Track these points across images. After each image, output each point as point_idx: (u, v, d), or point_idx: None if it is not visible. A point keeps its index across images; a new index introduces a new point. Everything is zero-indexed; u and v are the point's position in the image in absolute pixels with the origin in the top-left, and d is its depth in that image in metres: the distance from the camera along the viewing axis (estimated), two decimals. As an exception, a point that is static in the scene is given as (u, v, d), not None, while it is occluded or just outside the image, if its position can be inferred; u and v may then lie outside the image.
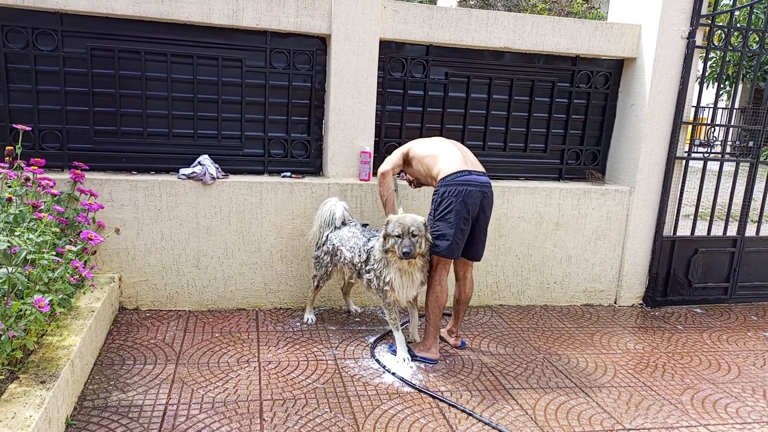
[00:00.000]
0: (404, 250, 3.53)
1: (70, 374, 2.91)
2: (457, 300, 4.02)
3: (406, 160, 4.08)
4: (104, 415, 2.98)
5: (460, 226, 3.65)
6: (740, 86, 6.06)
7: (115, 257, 4.24)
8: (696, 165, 5.39)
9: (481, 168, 3.83)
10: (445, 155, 3.83)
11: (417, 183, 4.25)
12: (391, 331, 4.08)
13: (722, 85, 12.42)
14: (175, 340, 3.90)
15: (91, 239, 3.17)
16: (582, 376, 3.79)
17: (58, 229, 3.11)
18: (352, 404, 3.26)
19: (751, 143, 5.39)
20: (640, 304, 5.29)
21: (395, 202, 4.34)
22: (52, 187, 3.55)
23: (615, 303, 5.27)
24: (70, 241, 3.41)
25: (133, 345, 3.78)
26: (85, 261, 3.44)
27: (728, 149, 5.45)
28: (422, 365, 3.79)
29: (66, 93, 4.20)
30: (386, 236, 3.68)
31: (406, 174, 4.36)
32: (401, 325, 4.11)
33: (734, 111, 5.81)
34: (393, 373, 3.64)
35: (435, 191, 3.75)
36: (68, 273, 2.94)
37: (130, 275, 4.29)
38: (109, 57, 4.22)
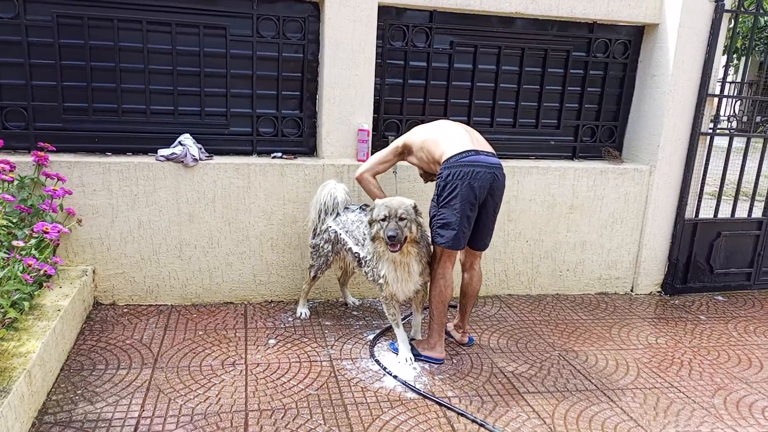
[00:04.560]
0: (389, 233, 3.16)
1: (26, 387, 2.55)
2: (463, 293, 3.65)
3: (406, 152, 3.66)
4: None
5: (466, 213, 3.26)
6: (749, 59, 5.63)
7: (87, 248, 3.86)
8: (719, 142, 4.98)
9: (490, 149, 3.42)
10: (448, 135, 3.42)
11: (427, 176, 3.82)
12: (389, 328, 3.73)
13: (734, 56, 11.86)
14: (154, 339, 3.54)
15: (47, 232, 2.79)
16: (602, 377, 3.45)
17: (4, 222, 2.72)
18: (349, 414, 2.91)
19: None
20: (658, 291, 4.93)
21: (395, 189, 3.97)
22: (8, 171, 3.14)
23: (631, 291, 4.91)
24: (32, 233, 3.02)
25: (106, 346, 3.43)
26: (46, 255, 3.06)
27: (747, 123, 5.01)
28: (426, 366, 3.44)
29: (30, 66, 3.77)
30: (371, 222, 3.31)
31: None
32: (403, 320, 3.76)
33: (761, 84, 5.38)
34: (395, 376, 3.29)
35: (438, 174, 3.35)
36: (20, 271, 2.57)
37: (105, 267, 3.92)
38: (77, 25, 3.78)
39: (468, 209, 3.25)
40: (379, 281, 3.42)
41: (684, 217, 4.78)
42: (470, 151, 3.29)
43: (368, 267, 3.50)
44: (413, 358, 3.45)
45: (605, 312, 4.45)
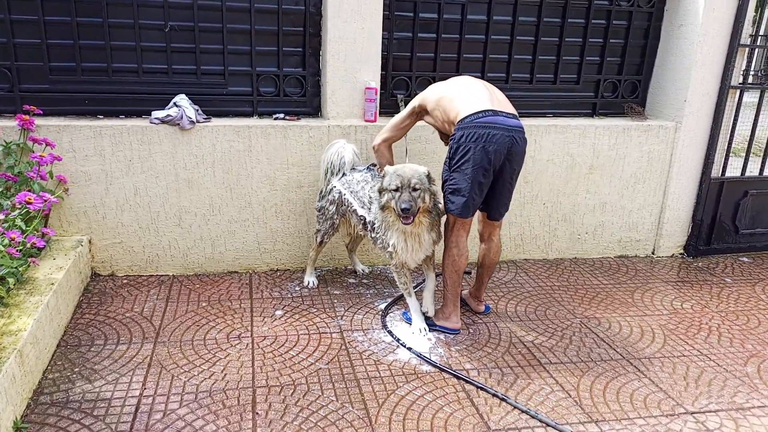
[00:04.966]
0: (403, 205, 2.93)
1: (17, 367, 2.38)
2: (480, 264, 3.44)
3: (423, 112, 3.38)
4: (64, 413, 2.47)
5: (478, 179, 3.01)
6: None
7: (82, 217, 3.66)
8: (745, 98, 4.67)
9: (511, 109, 3.13)
10: (465, 94, 3.14)
11: (447, 138, 3.49)
12: (402, 296, 3.56)
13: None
14: (155, 312, 3.37)
15: (30, 203, 2.58)
16: (627, 345, 3.27)
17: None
18: (362, 389, 2.74)
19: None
20: (680, 254, 4.72)
21: (405, 151, 3.72)
22: (-10, 136, 2.92)
23: (653, 254, 4.70)
24: (15, 204, 2.81)
25: (105, 320, 3.26)
26: (34, 226, 2.86)
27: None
28: (442, 336, 3.26)
29: (12, 22, 3.51)
30: (382, 190, 3.08)
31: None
32: (415, 287, 3.59)
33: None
34: (409, 348, 3.11)
35: (451, 136, 3.09)
36: (2, 245, 2.37)
37: (101, 237, 3.72)
38: (59, -23, 3.50)
39: (480, 175, 3.01)
40: (388, 249, 3.22)
41: (710, 176, 4.52)
42: (487, 111, 3.02)
43: (376, 234, 3.30)
44: (427, 329, 3.27)
45: (626, 276, 4.25)
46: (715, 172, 4.56)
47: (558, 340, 3.29)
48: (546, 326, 3.43)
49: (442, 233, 3.31)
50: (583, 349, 3.20)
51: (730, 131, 4.49)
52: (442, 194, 3.19)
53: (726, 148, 4.53)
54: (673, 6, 4.40)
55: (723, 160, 4.57)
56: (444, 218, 3.32)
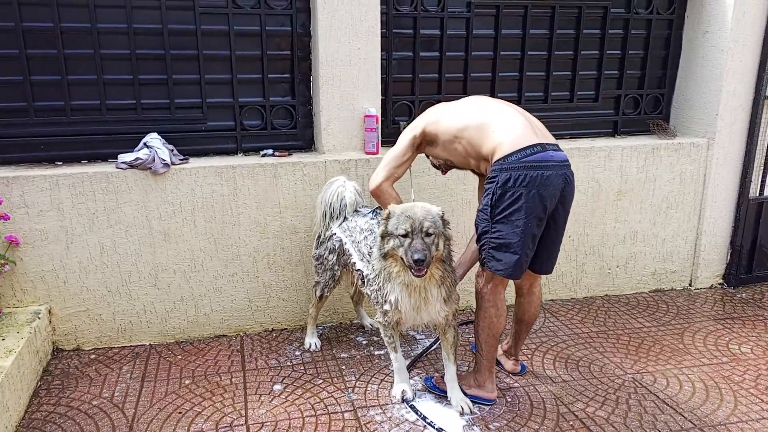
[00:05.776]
0: (416, 255, 2.36)
1: (-60, 507, 1.81)
2: (518, 319, 2.92)
3: (425, 142, 2.82)
4: None
5: (532, 231, 2.49)
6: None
7: (39, 283, 3.09)
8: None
9: (552, 138, 2.63)
10: (499, 122, 2.56)
11: (447, 167, 3.02)
12: (420, 356, 3.05)
13: None
14: (128, 396, 2.80)
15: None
16: (695, 409, 2.76)
17: None
18: (390, 495, 2.20)
19: None
20: (720, 284, 4.25)
21: (410, 184, 3.19)
22: None
23: (690, 286, 4.23)
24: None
25: (67, 411, 2.68)
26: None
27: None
28: (476, 409, 2.73)
29: (-53, 58, 2.99)
30: (385, 235, 2.51)
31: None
32: (434, 345, 3.09)
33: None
34: (439, 429, 2.57)
35: (490, 178, 2.51)
36: None
37: (62, 305, 3.15)
38: (5, 2, 2.98)
39: (534, 226, 2.48)
40: (384, 307, 2.64)
41: (748, 196, 4.09)
42: (535, 146, 2.46)
43: (371, 287, 2.75)
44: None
45: (668, 315, 3.76)
46: (752, 191, 4.13)
47: (613, 406, 2.77)
48: (595, 388, 2.92)
49: (453, 289, 2.73)
50: (646, 418, 2.68)
51: (767, 146, 4.07)
52: (479, 249, 2.64)
53: (763, 164, 4.12)
54: (695, 12, 3.99)
55: (760, 178, 4.14)
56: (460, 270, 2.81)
